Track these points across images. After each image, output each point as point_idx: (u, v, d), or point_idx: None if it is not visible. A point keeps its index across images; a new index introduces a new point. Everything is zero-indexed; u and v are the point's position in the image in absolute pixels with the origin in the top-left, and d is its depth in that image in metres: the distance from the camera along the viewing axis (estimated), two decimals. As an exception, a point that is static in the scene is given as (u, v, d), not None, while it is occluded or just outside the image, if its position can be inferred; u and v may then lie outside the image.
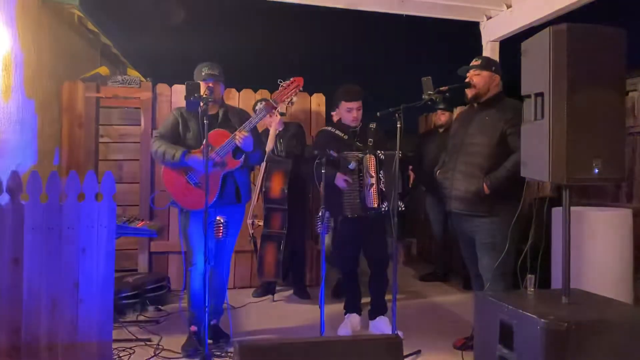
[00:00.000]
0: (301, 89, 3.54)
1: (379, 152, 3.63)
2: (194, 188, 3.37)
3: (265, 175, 4.49)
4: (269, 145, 4.44)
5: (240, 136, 3.28)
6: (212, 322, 3.51)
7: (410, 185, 3.78)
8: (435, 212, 5.56)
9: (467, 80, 3.42)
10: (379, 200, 3.57)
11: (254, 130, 3.40)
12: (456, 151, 3.43)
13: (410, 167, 3.82)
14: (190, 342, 3.42)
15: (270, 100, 3.54)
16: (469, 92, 3.40)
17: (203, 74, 3.41)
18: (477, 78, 3.37)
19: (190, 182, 3.38)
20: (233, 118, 3.48)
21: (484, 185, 3.21)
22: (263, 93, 5.19)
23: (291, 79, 3.49)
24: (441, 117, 5.39)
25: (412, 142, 6.73)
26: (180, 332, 3.69)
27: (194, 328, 3.49)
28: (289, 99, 3.56)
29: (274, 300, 4.68)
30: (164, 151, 3.33)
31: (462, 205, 3.33)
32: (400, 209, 3.35)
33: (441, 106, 5.34)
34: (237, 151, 3.35)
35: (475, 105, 3.44)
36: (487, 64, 3.41)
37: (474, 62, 3.42)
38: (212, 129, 3.29)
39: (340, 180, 3.62)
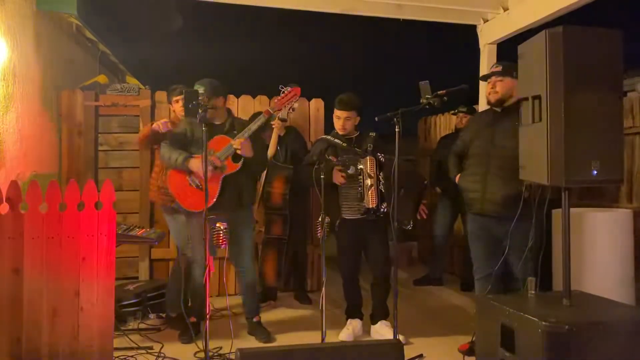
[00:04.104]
0: (298, 98, 3.74)
1: (379, 154, 3.65)
2: (195, 190, 3.57)
3: (266, 181, 4.49)
4: (270, 151, 4.45)
5: (239, 142, 3.48)
6: (254, 320, 3.87)
7: (418, 217, 3.79)
8: (442, 215, 5.51)
9: (489, 87, 3.38)
10: (378, 201, 3.58)
11: (254, 137, 3.59)
12: (485, 155, 3.36)
13: (424, 201, 3.83)
14: (188, 332, 3.66)
15: (269, 108, 3.70)
16: (492, 97, 3.37)
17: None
18: (500, 85, 3.34)
19: (191, 184, 3.59)
20: (238, 127, 3.66)
21: (524, 188, 3.15)
22: (262, 99, 5.19)
23: (290, 88, 3.69)
24: (463, 120, 5.24)
25: (413, 145, 6.73)
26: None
27: (193, 319, 3.74)
28: (289, 106, 3.71)
29: (275, 306, 4.67)
30: (169, 156, 3.62)
31: (498, 208, 3.26)
32: (408, 227, 3.50)
33: (462, 109, 5.24)
34: (236, 156, 3.53)
35: (499, 110, 3.39)
36: (508, 70, 3.34)
37: (495, 69, 3.39)
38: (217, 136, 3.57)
39: (337, 175, 3.63)
